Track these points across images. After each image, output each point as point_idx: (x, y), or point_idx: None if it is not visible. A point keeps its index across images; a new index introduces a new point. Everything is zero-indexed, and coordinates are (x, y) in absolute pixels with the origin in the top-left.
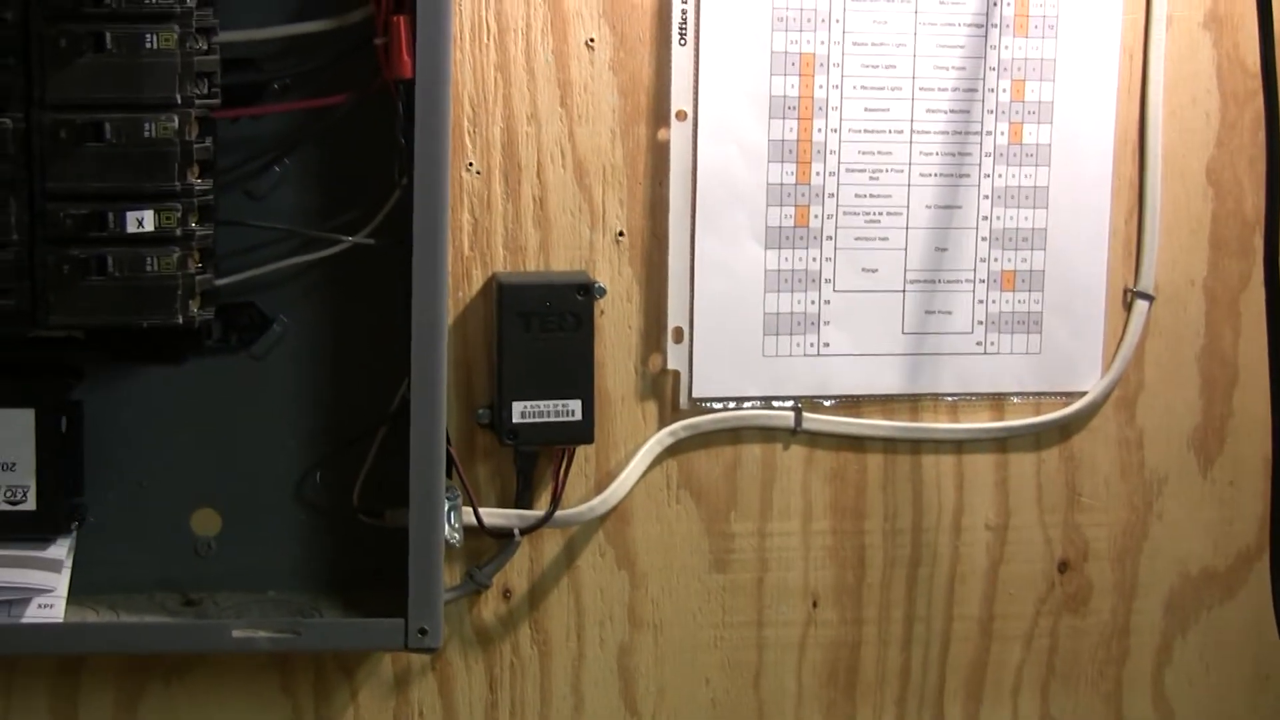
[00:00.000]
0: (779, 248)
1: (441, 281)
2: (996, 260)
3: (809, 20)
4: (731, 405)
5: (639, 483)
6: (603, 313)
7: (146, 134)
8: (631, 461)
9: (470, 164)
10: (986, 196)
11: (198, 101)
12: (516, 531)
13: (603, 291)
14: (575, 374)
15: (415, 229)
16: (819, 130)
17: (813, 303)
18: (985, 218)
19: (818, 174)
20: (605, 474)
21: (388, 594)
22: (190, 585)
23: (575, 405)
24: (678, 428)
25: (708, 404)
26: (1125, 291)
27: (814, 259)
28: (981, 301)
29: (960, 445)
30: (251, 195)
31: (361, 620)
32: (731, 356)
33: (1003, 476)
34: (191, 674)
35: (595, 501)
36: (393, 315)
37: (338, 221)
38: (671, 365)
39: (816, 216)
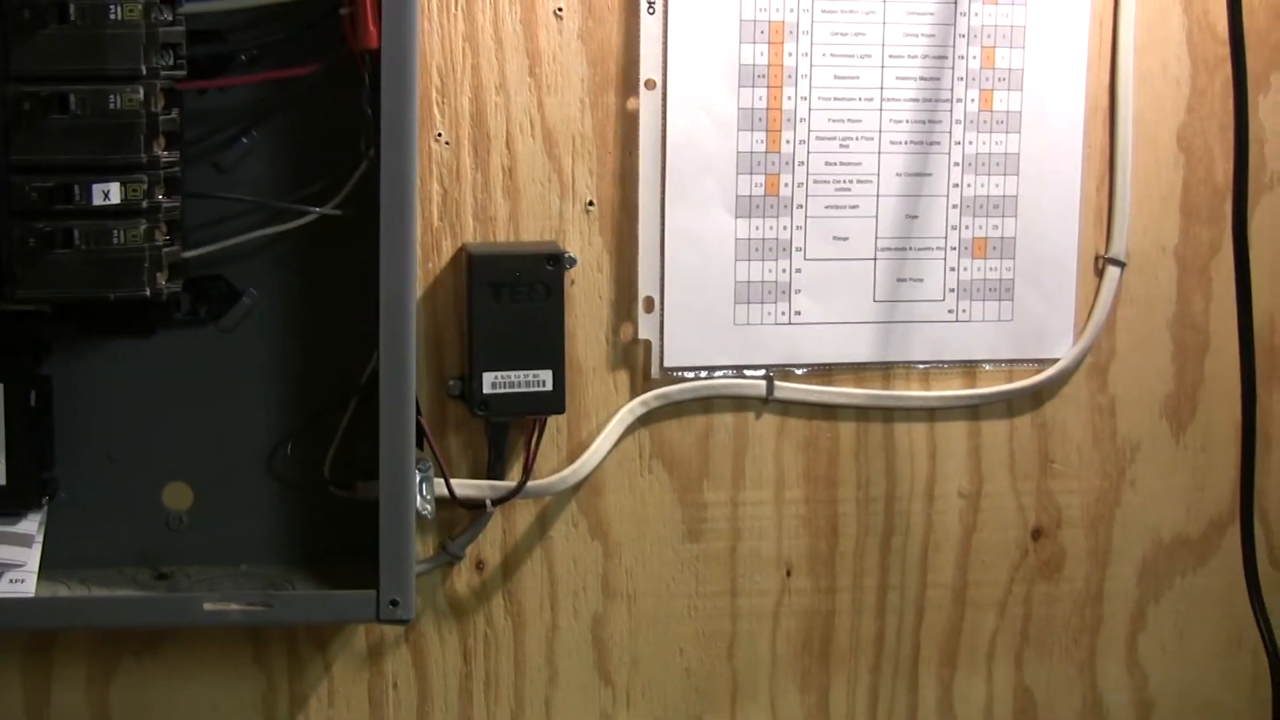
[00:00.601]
0: (749, 216)
1: (410, 252)
2: (968, 228)
3: None
4: (703, 374)
5: (611, 453)
6: (573, 282)
7: (112, 106)
8: (603, 432)
9: (439, 134)
10: (957, 164)
11: (163, 73)
12: (489, 502)
13: (573, 261)
14: (546, 344)
15: (383, 200)
16: (789, 98)
17: (784, 271)
18: (956, 185)
19: (788, 142)
20: (577, 444)
21: (360, 566)
22: (162, 559)
23: (546, 375)
24: (649, 397)
25: (679, 373)
26: (1097, 258)
27: (784, 227)
28: (953, 269)
29: (933, 413)
30: (219, 167)
31: (333, 592)
32: (702, 326)
33: (975, 444)
34: (164, 648)
35: (567, 472)
36: (362, 287)
37: (305, 193)
38: (642, 335)
39: (787, 185)
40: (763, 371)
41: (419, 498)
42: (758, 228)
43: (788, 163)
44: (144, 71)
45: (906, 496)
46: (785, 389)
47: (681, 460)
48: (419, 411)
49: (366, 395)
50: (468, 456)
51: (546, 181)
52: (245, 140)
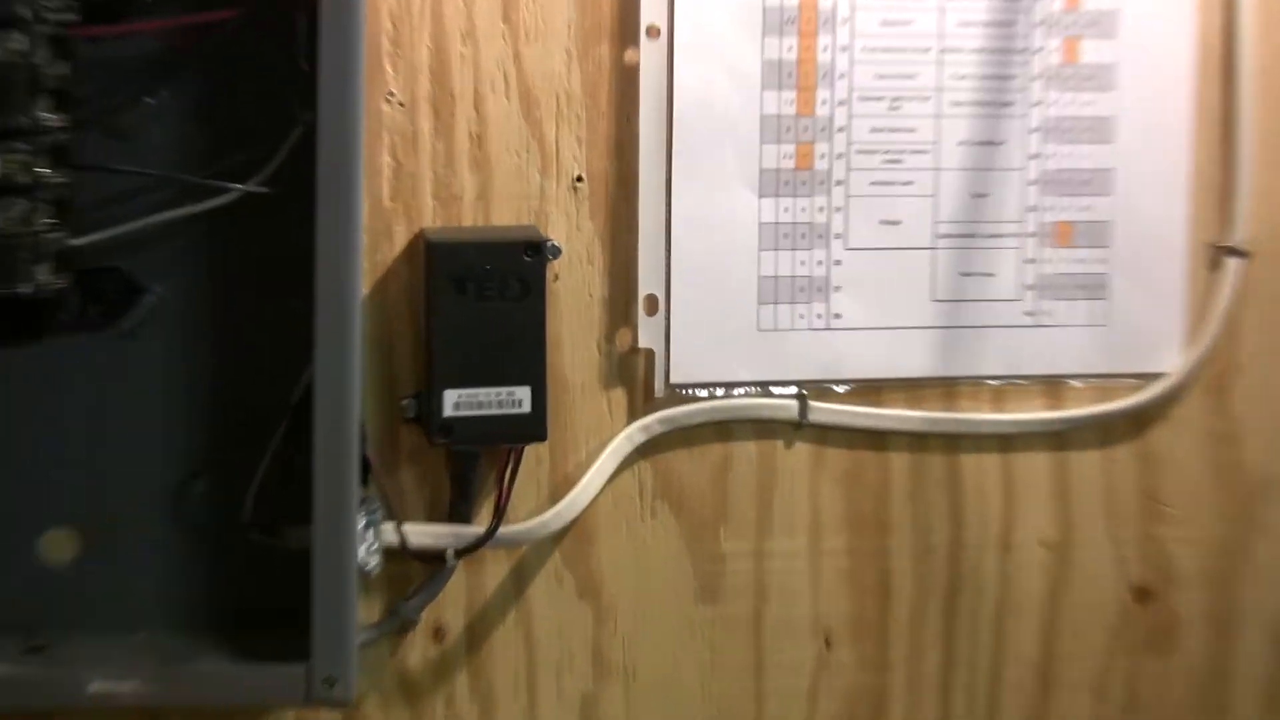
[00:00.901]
0: (777, 195)
1: (355, 240)
2: (1049, 209)
3: None
4: (719, 393)
5: (605, 491)
6: (557, 277)
7: None
8: (595, 464)
9: (391, 94)
10: (1035, 129)
11: (50, 17)
12: (451, 553)
13: (557, 251)
14: (523, 354)
15: (321, 175)
16: (825, 48)
17: (820, 264)
18: (1034, 156)
19: (824, 103)
20: (562, 479)
21: (287, 634)
22: (37, 626)
23: (523, 394)
24: (652, 421)
25: (689, 391)
26: (1212, 247)
27: (820, 209)
28: (1031, 260)
29: (1007, 441)
30: (117, 134)
31: (254, 667)
32: (718, 332)
33: (1062, 481)
34: None
35: (550, 515)
36: (295, 283)
37: (224, 166)
38: (643, 343)
39: (823, 156)
40: (794, 389)
41: (363, 548)
42: (787, 209)
43: (824, 128)
44: (27, 15)
45: (976, 546)
46: (822, 411)
47: (693, 500)
48: (364, 439)
49: (298, 418)
50: (425, 495)
51: (524, 152)
52: (150, 101)
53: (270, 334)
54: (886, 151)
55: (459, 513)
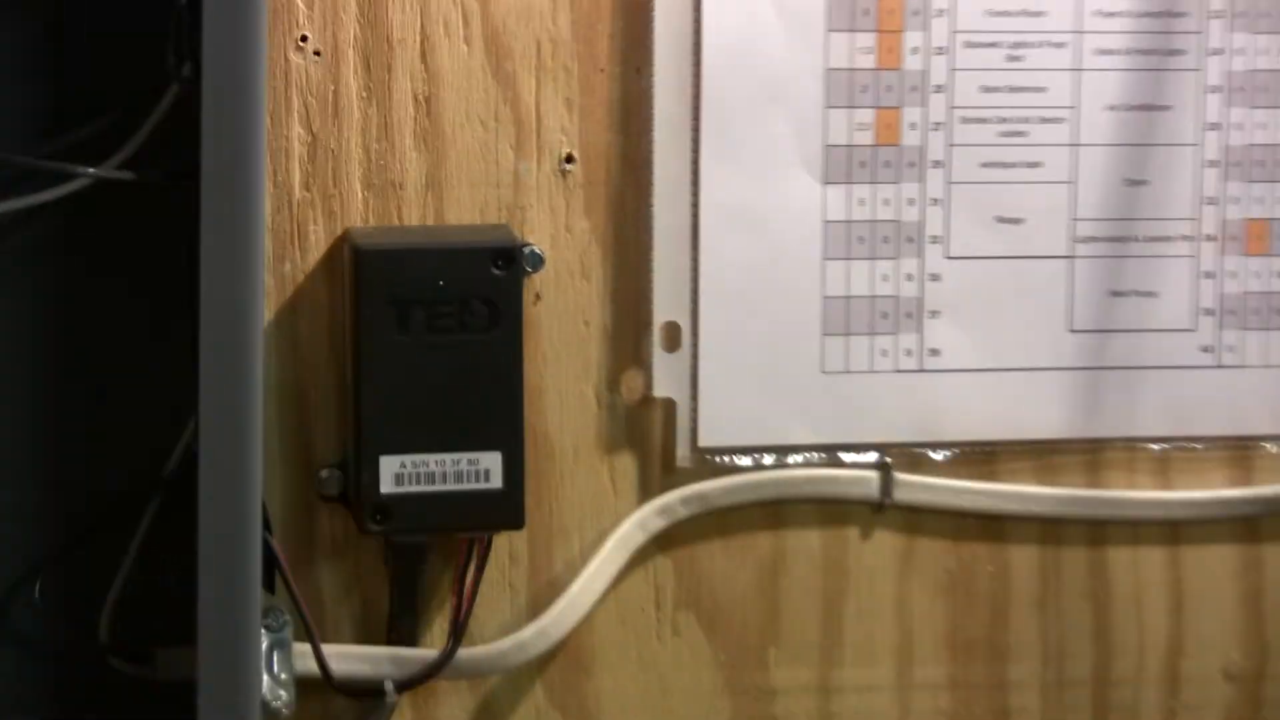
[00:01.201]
0: (848, 182)
1: (253, 248)
2: (1235, 202)
3: None
4: (768, 461)
5: (607, 599)
6: (539, 299)
7: None
8: (593, 561)
9: (303, 39)
10: (1215, 89)
11: None
12: (390, 686)
13: (539, 261)
14: (491, 407)
15: (205, 155)
16: None
17: (909, 279)
18: (1213, 126)
19: (914, 51)
20: (546, 583)
21: None
22: None
23: (491, 462)
24: (673, 501)
25: (726, 459)
26: None
27: (910, 201)
28: (1209, 275)
29: (1176, 530)
30: None
31: None
32: (767, 374)
33: (1253, 585)
34: None
35: (529, 633)
36: (169, 307)
37: (70, 141)
38: (661, 390)
39: (914, 126)
40: (873, 456)
41: (267, 679)
42: (863, 202)
43: (914, 87)
44: None
45: (1132, 678)
46: (913, 486)
47: (730, 613)
48: (267, 526)
49: (174, 497)
50: (353, 604)
51: (491, 121)
52: None
53: (135, 379)
54: (1003, 120)
55: (401, 629)
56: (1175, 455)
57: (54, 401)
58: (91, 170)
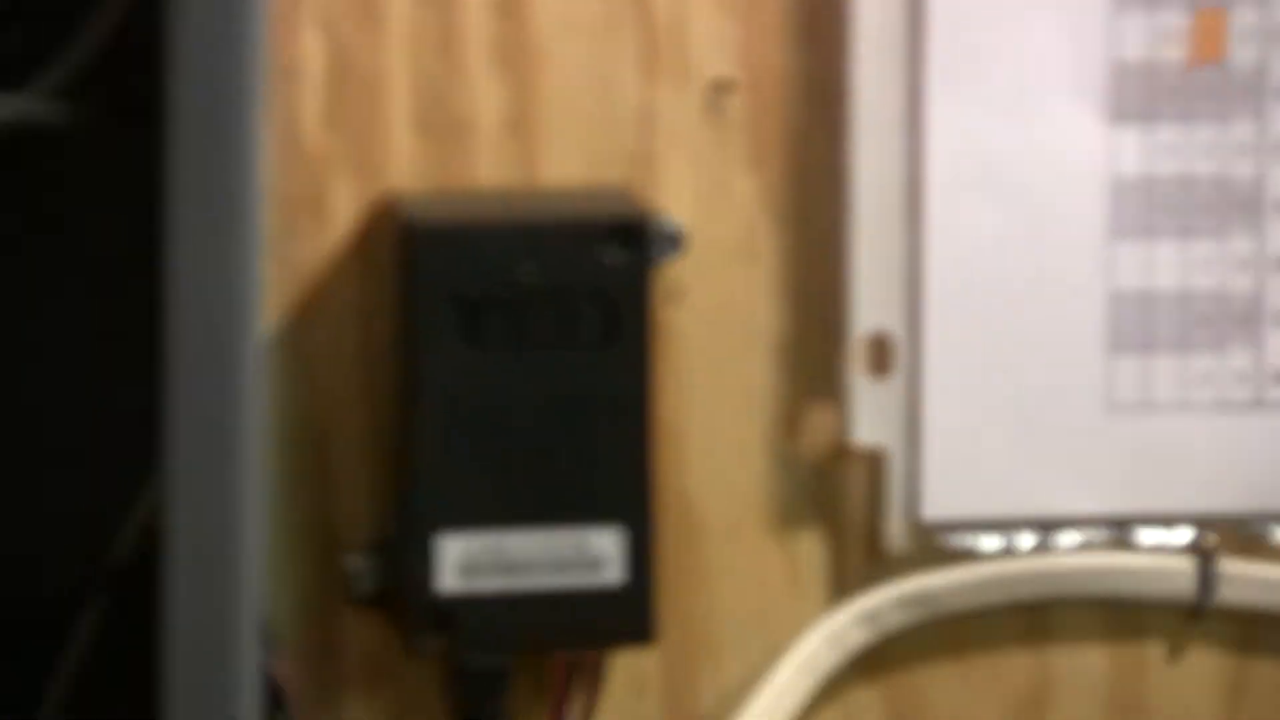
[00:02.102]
0: (1147, 118)
1: (245, 220)
2: None
3: None
4: (1025, 542)
5: None
6: (677, 298)
7: None
8: (761, 695)
9: None
10: None
11: None
12: None
13: (677, 241)
14: (605, 460)
15: (171, 78)
16: None
17: (1242, 265)
18: None
19: None
20: None
21: None
22: None
23: (606, 544)
24: (884, 604)
25: (959, 538)
26: None
27: (1242, 149)
28: None
29: None
30: None
31: None
32: (1022, 411)
33: None
34: None
35: None
36: (115, 312)
37: None
38: (862, 436)
39: (1247, 35)
40: (1188, 534)
41: None
42: (1171, 150)
43: None
44: None
45: None
46: (1248, 581)
47: None
48: (270, 647)
49: (126, 600)
50: None
51: (604, 31)
52: None
53: (67, 420)
54: None
55: None
56: None
57: None
58: (9, 103)
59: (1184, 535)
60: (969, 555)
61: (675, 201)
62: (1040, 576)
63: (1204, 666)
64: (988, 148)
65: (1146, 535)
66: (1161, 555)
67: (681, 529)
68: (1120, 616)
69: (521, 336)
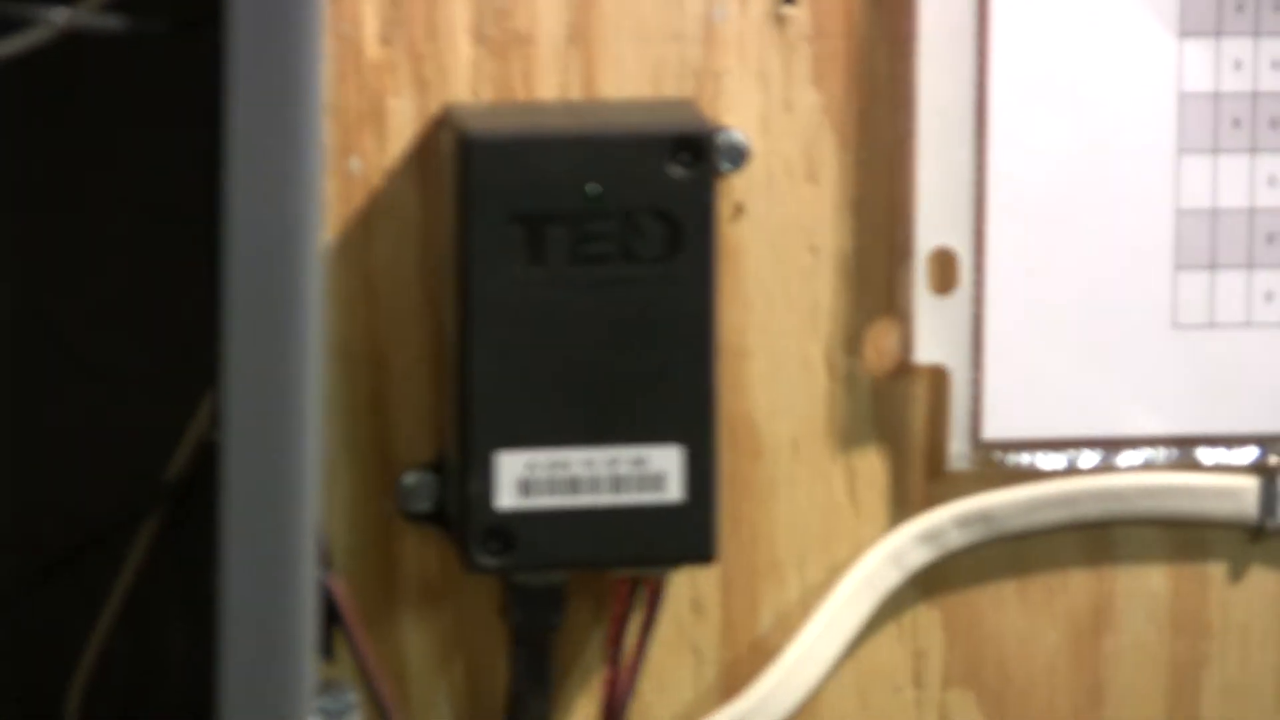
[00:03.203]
0: (1218, 34)
1: (305, 133)
2: None
3: None
4: (1088, 461)
5: (841, 670)
6: (740, 212)
7: None
8: (821, 615)
9: None
10: None
11: None
12: None
13: (741, 154)
14: (666, 378)
15: None
16: None
17: None
18: None
19: None
20: (748, 648)
21: None
22: None
23: (666, 461)
24: (945, 522)
25: (1022, 458)
26: None
27: None
28: None
29: None
30: None
31: None
32: (1087, 330)
33: None
34: None
35: (726, 718)
36: (173, 226)
37: None
38: (925, 354)
39: None
40: (1253, 453)
41: None
42: (1240, 64)
43: None
44: None
45: None
46: None
47: (1030, 693)
48: (327, 563)
49: (180, 514)
50: (454, 677)
51: None
52: None
53: (122, 338)
54: None
55: (527, 713)
56: None
57: (13, 366)
58: (59, 13)
59: (1247, 455)
60: (1030, 474)
61: (738, 116)
62: (1102, 496)
63: (1266, 587)
64: (1054, 61)
65: (1209, 455)
66: (1224, 475)
67: (743, 448)
68: (1182, 536)
69: (582, 253)
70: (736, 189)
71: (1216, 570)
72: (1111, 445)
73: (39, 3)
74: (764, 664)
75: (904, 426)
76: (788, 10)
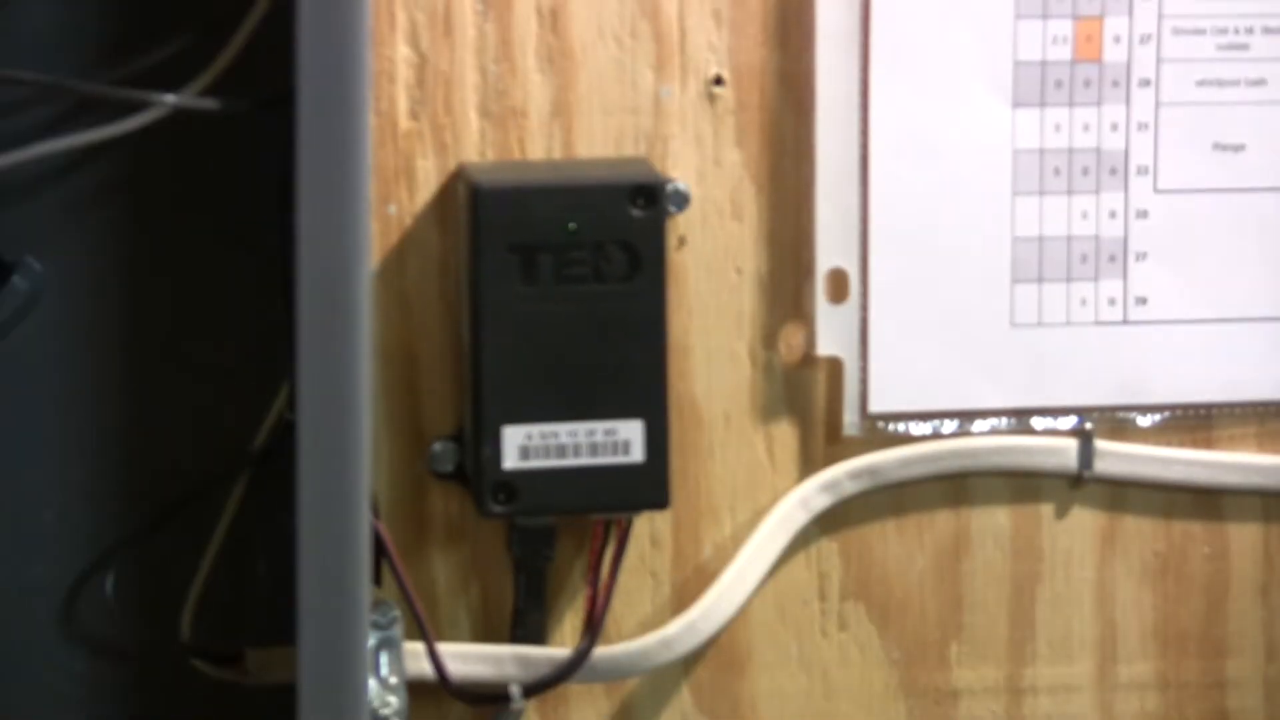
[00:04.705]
0: (1042, 105)
1: (358, 183)
2: None
3: None
4: (948, 428)
5: (763, 589)
6: (683, 242)
7: None
8: (747, 546)
9: None
10: None
11: None
12: (516, 691)
13: (684, 199)
14: (630, 368)
15: (302, 76)
16: None
17: (1113, 216)
18: None
19: None
20: (693, 572)
21: None
22: None
23: (631, 432)
24: (841, 476)
25: (900, 427)
26: None
27: (1114, 127)
28: None
29: None
30: None
31: None
32: (948, 329)
33: None
34: None
35: (675, 629)
36: (256, 255)
37: (141, 67)
38: (825, 348)
39: (1119, 39)
40: (1072, 421)
41: (374, 682)
42: (1059, 127)
43: None
44: None
45: None
46: (1118, 456)
47: (906, 604)
48: (374, 510)
49: (264, 474)
50: (472, 598)
51: (628, 38)
52: None
53: (219, 338)
54: (1222, 31)
55: (528, 625)
56: None
57: (124, 366)
58: (169, 98)
59: (1069, 422)
60: (905, 438)
61: (681, 171)
62: (959, 454)
63: (1083, 521)
64: (919, 126)
65: (1040, 422)
66: (1051, 437)
67: (687, 421)
68: (1020, 484)
69: (564, 274)
70: (681, 225)
71: (1046, 510)
72: (966, 415)
73: (148, 89)
74: (706, 584)
75: (809, 403)
76: (717, 90)
